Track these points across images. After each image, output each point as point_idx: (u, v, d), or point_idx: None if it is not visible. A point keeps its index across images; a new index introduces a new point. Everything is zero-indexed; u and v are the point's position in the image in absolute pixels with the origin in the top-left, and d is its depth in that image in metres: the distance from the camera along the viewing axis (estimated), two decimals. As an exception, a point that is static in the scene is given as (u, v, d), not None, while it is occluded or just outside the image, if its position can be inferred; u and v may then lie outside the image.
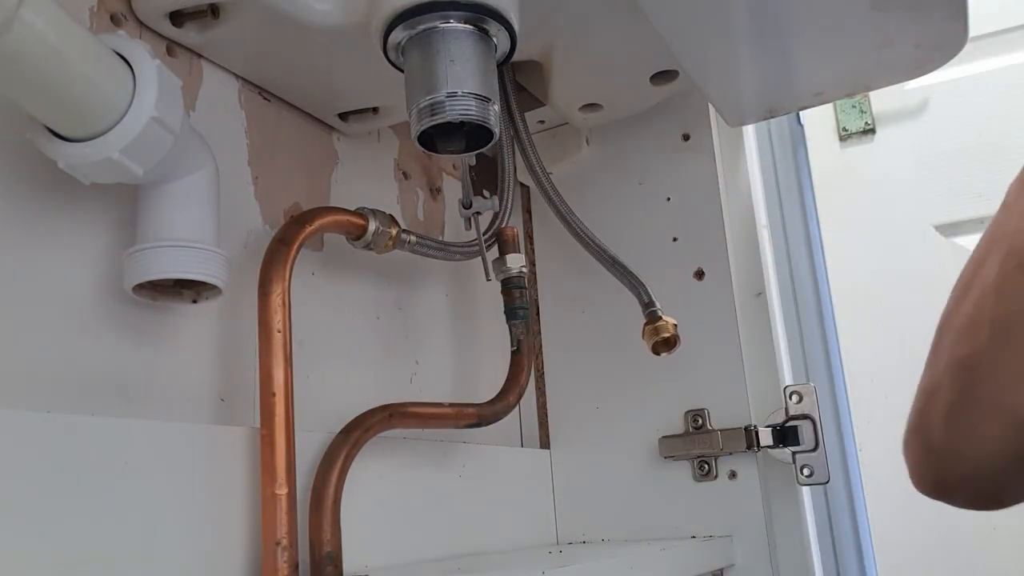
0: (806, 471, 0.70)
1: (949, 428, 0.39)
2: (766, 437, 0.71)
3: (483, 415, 0.63)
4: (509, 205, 0.67)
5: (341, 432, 0.52)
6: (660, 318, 0.67)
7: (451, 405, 0.61)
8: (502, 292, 0.68)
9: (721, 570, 0.71)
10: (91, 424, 0.40)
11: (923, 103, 1.31)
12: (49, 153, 0.39)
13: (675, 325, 0.67)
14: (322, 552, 0.48)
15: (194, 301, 0.47)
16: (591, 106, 0.72)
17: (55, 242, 0.44)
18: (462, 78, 0.42)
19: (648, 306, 0.68)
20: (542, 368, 0.83)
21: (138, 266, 0.43)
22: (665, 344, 0.67)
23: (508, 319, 0.67)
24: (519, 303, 0.67)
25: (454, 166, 0.79)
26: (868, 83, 0.68)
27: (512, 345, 0.68)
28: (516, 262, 0.67)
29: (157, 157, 0.40)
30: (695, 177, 0.78)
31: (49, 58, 0.35)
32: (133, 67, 0.39)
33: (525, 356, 0.69)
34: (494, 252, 0.68)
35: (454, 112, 0.42)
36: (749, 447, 0.70)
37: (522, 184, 0.85)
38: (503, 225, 0.67)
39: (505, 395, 0.66)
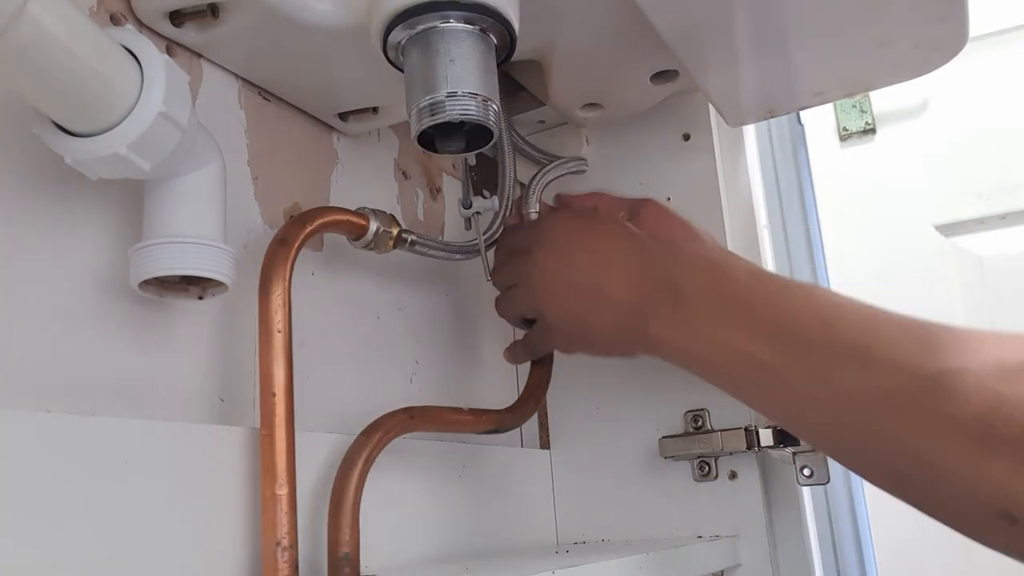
0: (806, 471, 0.70)
1: None
2: (766, 437, 0.71)
3: (502, 422, 0.63)
4: (509, 205, 0.67)
5: (362, 434, 0.52)
6: None
7: (471, 411, 0.61)
8: None
9: (722, 572, 0.71)
10: (90, 424, 0.40)
11: (923, 103, 1.31)
12: (56, 148, 0.38)
13: None
14: (339, 553, 0.48)
15: (200, 298, 0.47)
16: (591, 106, 0.72)
17: (56, 239, 0.44)
18: (462, 78, 0.42)
19: None
20: (542, 368, 0.83)
21: (145, 262, 0.42)
22: None
23: None
24: None
25: (454, 166, 0.79)
26: (868, 83, 0.68)
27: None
28: None
29: (165, 152, 0.40)
30: (695, 177, 0.78)
31: (57, 52, 0.34)
32: (141, 61, 0.39)
33: (549, 366, 0.68)
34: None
35: (454, 112, 0.42)
36: (749, 447, 0.70)
37: (522, 184, 0.85)
38: (504, 226, 0.67)
39: (525, 402, 0.66)
